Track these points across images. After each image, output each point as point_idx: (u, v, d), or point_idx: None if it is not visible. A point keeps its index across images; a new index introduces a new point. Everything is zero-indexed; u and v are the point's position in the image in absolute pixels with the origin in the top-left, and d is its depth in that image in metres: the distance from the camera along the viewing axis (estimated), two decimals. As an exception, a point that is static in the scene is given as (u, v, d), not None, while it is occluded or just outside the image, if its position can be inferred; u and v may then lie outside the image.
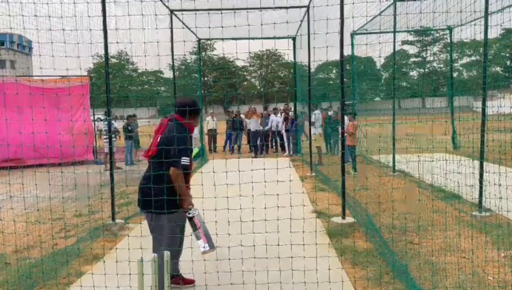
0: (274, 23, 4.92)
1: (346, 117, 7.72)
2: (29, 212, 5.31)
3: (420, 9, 9.82)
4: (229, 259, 4.04)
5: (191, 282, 3.93)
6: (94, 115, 14.60)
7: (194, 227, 3.54)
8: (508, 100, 6.81)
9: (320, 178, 9.72)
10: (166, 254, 2.89)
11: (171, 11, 10.08)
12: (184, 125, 3.64)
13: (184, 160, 3.45)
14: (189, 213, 3.54)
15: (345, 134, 11.79)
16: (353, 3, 5.82)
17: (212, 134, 16.41)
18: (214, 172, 3.82)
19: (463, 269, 4.10)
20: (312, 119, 12.37)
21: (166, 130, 3.62)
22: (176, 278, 3.83)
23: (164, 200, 3.39)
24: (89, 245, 5.22)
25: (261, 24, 4.71)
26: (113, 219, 6.14)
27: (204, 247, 3.48)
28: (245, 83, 63.16)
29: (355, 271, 4.20)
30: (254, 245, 3.96)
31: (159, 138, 3.61)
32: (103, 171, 10.28)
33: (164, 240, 3.55)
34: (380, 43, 10.06)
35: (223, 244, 4.16)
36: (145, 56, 5.52)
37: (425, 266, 4.18)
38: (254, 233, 3.90)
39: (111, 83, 6.35)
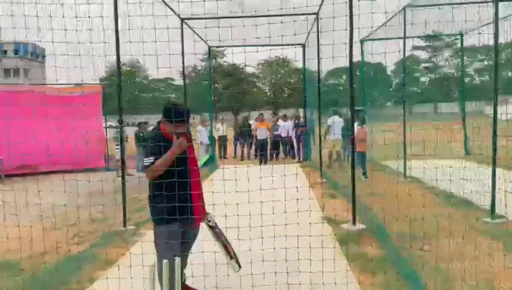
0: (282, 35, 4.96)
1: (355, 124, 7.71)
2: (43, 218, 5.41)
3: (431, 15, 9.84)
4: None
5: None
6: (106, 122, 14.79)
7: (220, 240, 3.39)
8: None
9: (330, 185, 9.69)
10: (177, 260, 2.91)
11: (182, 20, 10.20)
12: (160, 128, 3.37)
13: (146, 161, 3.20)
14: (208, 221, 3.38)
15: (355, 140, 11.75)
16: (359, 14, 5.85)
17: (222, 141, 16.49)
18: (224, 180, 3.85)
19: (475, 277, 4.05)
20: (329, 122, 12.33)
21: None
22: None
23: (155, 211, 3.26)
24: (101, 251, 5.27)
25: (269, 36, 4.75)
26: (125, 225, 6.21)
27: (234, 268, 3.42)
28: (255, 89, 63.29)
29: (365, 278, 4.18)
30: (263, 249, 3.97)
31: None
32: (115, 178, 10.39)
33: (158, 250, 3.33)
34: (386, 52, 10.05)
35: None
36: (158, 67, 5.61)
37: (436, 273, 4.15)
38: (262, 237, 3.91)
39: (123, 90, 6.47)
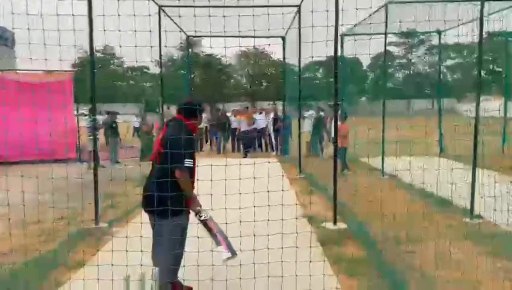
0: (269, 27, 4.72)
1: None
2: (4, 214, 5.01)
3: (411, 11, 9.81)
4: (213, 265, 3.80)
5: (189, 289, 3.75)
6: (77, 110, 14.17)
7: (210, 231, 3.39)
8: (495, 102, 6.79)
9: (309, 180, 9.58)
10: (155, 272, 2.68)
11: (160, 7, 9.79)
12: (187, 126, 3.51)
13: (188, 163, 3.31)
14: (200, 216, 3.39)
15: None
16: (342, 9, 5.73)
17: (199, 134, 16.14)
18: (198, 179, 3.61)
19: (457, 280, 3.98)
20: (306, 115, 12.27)
21: (168, 130, 3.49)
22: (175, 285, 3.61)
23: (167, 203, 3.25)
24: (69, 251, 4.93)
25: (254, 29, 4.51)
26: (97, 222, 5.87)
27: (226, 254, 3.34)
28: (232, 81, 62.73)
29: (349, 281, 4.05)
30: (240, 249, 3.74)
31: (161, 138, 3.47)
32: (87, 170, 9.96)
33: (166, 243, 3.38)
34: (366, 48, 9.96)
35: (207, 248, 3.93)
36: (135, 46, 5.28)
37: (420, 277, 4.06)
38: (241, 236, 3.68)
39: (96, 78, 6.12)
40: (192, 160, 3.41)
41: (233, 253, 3.41)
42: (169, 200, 3.25)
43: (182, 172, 3.31)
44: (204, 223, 3.43)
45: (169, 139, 3.34)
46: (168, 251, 3.34)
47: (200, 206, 3.45)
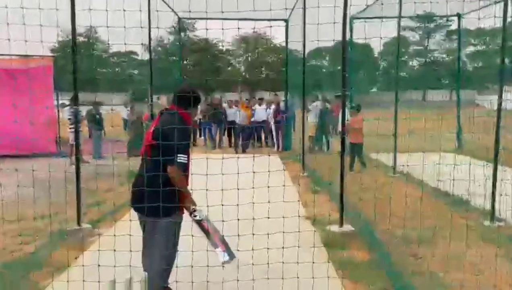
0: (270, 7, 4.73)
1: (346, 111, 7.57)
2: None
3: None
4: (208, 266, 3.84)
5: None
6: (58, 100, 14.16)
7: (206, 232, 3.42)
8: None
9: (313, 178, 9.62)
10: (144, 275, 2.73)
11: (149, -15, 9.78)
12: (182, 116, 3.51)
13: (181, 158, 3.31)
14: (195, 215, 3.40)
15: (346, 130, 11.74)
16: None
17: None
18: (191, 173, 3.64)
19: (475, 286, 4.03)
20: (310, 108, 12.31)
21: (160, 121, 3.49)
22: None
23: (158, 200, 3.24)
24: (49, 254, 4.98)
25: (254, 9, 4.51)
26: (79, 222, 5.90)
27: (224, 256, 3.38)
28: (229, 68, 62.59)
29: (354, 286, 4.10)
30: (238, 249, 3.78)
31: (152, 130, 3.47)
32: (68, 166, 9.98)
33: (158, 244, 3.43)
34: (377, 32, 9.95)
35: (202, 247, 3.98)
36: (124, 27, 5.29)
37: (432, 283, 4.10)
38: (239, 235, 3.71)
39: (79, 64, 6.11)
40: (186, 155, 3.40)
41: (232, 256, 3.44)
42: (161, 197, 3.24)
43: (174, 168, 3.31)
44: (199, 223, 3.46)
45: (161, 131, 3.32)
46: (160, 252, 3.38)
47: (195, 204, 3.46)
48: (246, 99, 17.65)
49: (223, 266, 3.50)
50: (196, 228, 3.48)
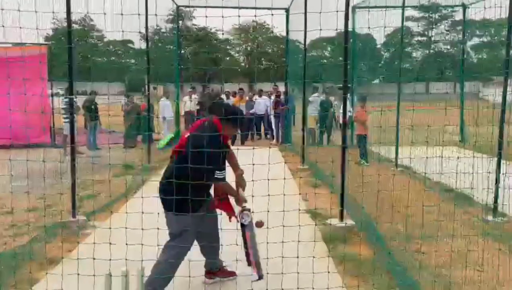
0: None
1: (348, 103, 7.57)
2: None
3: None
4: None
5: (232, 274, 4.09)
6: (52, 89, 14.11)
7: (245, 243, 3.47)
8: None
9: (314, 172, 9.62)
10: (140, 269, 2.73)
11: (146, -28, 9.71)
12: (219, 131, 3.62)
13: (218, 174, 3.52)
14: (242, 217, 3.46)
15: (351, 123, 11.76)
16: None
17: (190, 117, 16.05)
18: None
19: (479, 284, 4.04)
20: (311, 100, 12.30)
21: (199, 128, 3.68)
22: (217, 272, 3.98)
23: (173, 200, 3.40)
24: (43, 247, 4.97)
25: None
26: (74, 215, 5.90)
27: (252, 275, 3.46)
28: (228, 58, 62.40)
29: (357, 284, 4.11)
30: (237, 243, 3.79)
31: (187, 137, 3.64)
32: (63, 157, 9.98)
33: (173, 237, 3.65)
34: (381, 23, 9.91)
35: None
36: (121, 14, 5.23)
37: (436, 280, 4.11)
38: (237, 229, 3.72)
39: (74, 52, 6.07)
40: (224, 171, 3.60)
41: (260, 277, 3.50)
42: (174, 194, 3.40)
43: (213, 180, 3.55)
44: (243, 229, 3.50)
45: (199, 137, 3.46)
46: (169, 245, 3.58)
47: (246, 201, 3.55)
48: (240, 89, 17.38)
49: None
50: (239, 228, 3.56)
